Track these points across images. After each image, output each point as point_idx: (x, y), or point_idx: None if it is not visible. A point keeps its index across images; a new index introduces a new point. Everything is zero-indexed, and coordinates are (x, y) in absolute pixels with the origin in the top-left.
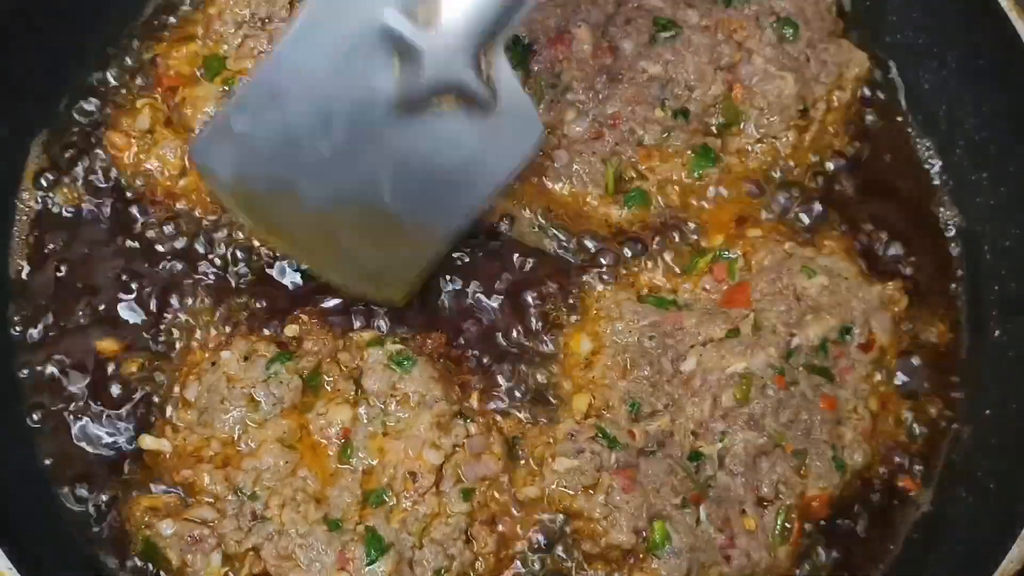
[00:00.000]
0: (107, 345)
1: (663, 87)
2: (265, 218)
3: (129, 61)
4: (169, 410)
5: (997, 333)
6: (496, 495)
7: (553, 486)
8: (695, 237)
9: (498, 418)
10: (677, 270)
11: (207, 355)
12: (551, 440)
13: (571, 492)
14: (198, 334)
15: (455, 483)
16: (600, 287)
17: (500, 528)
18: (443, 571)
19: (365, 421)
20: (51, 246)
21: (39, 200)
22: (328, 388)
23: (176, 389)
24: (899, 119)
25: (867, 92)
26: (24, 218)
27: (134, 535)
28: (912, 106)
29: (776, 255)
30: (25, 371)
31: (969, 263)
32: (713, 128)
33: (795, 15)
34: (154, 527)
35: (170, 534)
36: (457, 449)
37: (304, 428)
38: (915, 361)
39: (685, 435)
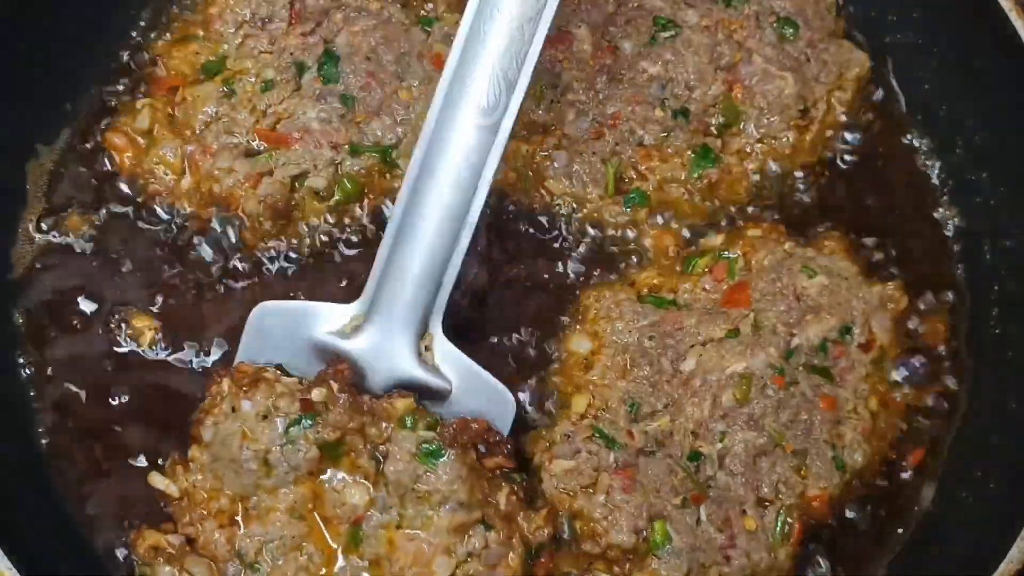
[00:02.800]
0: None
1: (663, 87)
2: None
3: (129, 61)
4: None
5: (997, 333)
6: None
7: (552, 489)
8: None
9: (522, 523)
10: (677, 270)
11: (227, 390)
12: (549, 443)
13: (570, 494)
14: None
15: None
16: (600, 287)
17: None
18: None
19: (380, 511)
20: (53, 247)
21: (40, 202)
22: (348, 459)
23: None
24: (899, 119)
25: (867, 92)
26: (27, 219)
27: (134, 566)
28: (912, 106)
29: (776, 255)
30: (26, 369)
31: (969, 263)
32: (713, 128)
33: (795, 15)
34: (153, 568)
35: None
36: (471, 558)
37: (317, 497)
38: (915, 361)
39: (685, 435)
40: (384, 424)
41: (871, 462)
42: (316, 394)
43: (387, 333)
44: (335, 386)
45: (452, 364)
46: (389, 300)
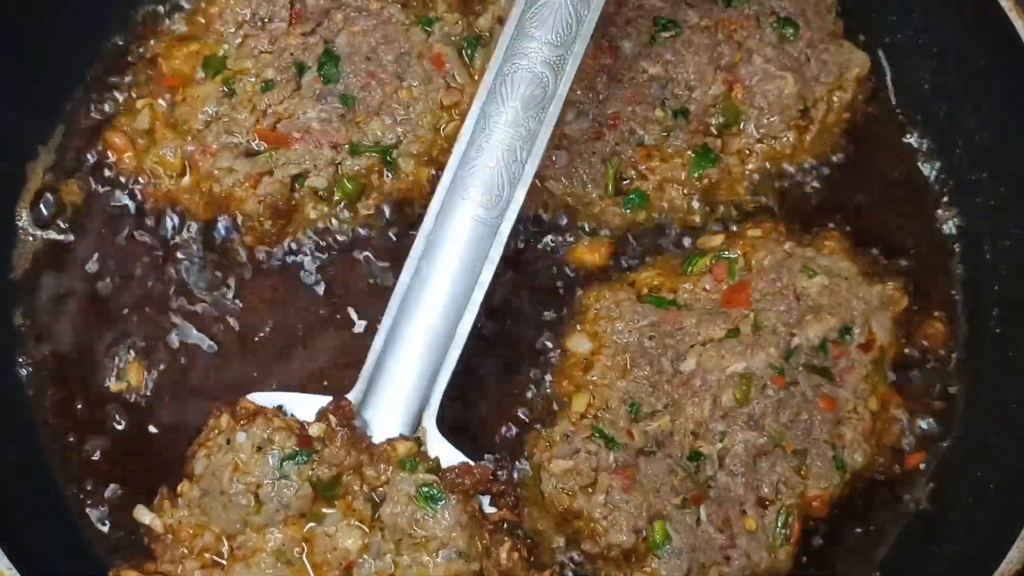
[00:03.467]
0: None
1: (663, 87)
2: None
3: (129, 61)
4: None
5: (997, 332)
6: None
7: (551, 488)
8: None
9: None
10: (677, 270)
11: (225, 425)
12: (549, 443)
13: (569, 493)
14: None
15: None
16: (600, 287)
17: None
18: None
19: (374, 556)
20: (54, 247)
21: (40, 201)
22: (344, 501)
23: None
24: (899, 119)
25: (867, 92)
26: (27, 219)
27: None
28: (912, 106)
29: (776, 255)
30: (26, 369)
31: (969, 263)
32: (713, 128)
33: (795, 15)
34: None
35: None
36: None
37: (307, 541)
38: (915, 361)
39: (685, 435)
40: (383, 466)
41: (871, 462)
42: (315, 429)
43: (379, 427)
44: (334, 420)
45: (445, 459)
46: (381, 396)
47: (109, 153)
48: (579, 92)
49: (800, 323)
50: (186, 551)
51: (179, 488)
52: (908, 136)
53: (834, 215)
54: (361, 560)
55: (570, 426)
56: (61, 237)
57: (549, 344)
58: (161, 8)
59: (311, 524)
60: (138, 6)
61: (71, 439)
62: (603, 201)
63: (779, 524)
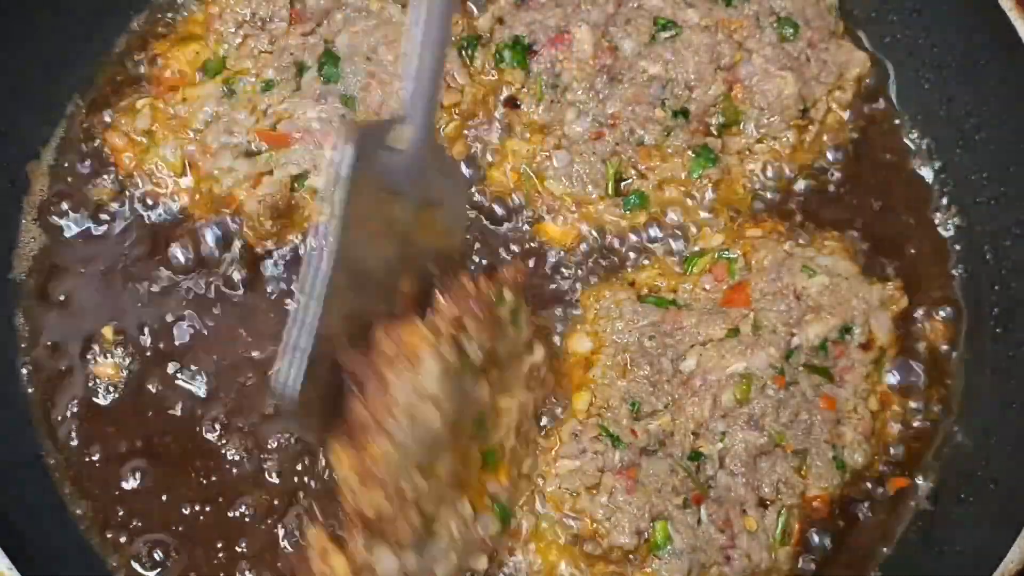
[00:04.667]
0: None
1: (663, 87)
2: None
3: (129, 61)
4: None
5: (997, 332)
6: None
7: (552, 489)
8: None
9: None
10: (677, 270)
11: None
12: (555, 443)
13: (572, 494)
14: None
15: None
16: (600, 287)
17: None
18: None
19: None
20: (54, 247)
21: (40, 202)
22: None
23: None
24: (899, 119)
25: (867, 92)
26: (27, 219)
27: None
28: (912, 106)
29: (776, 255)
30: (26, 368)
31: (969, 263)
32: (713, 128)
33: (795, 15)
34: None
35: None
36: None
37: None
38: (915, 361)
39: (685, 435)
40: None
41: (871, 462)
42: None
43: (416, 131)
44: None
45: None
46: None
47: (109, 153)
48: (579, 92)
49: (800, 323)
50: None
51: None
52: (908, 136)
53: (834, 215)
54: None
55: (577, 425)
56: (61, 238)
57: (549, 344)
58: (161, 8)
59: None
60: (138, 6)
61: (71, 439)
62: (603, 201)
63: (780, 524)
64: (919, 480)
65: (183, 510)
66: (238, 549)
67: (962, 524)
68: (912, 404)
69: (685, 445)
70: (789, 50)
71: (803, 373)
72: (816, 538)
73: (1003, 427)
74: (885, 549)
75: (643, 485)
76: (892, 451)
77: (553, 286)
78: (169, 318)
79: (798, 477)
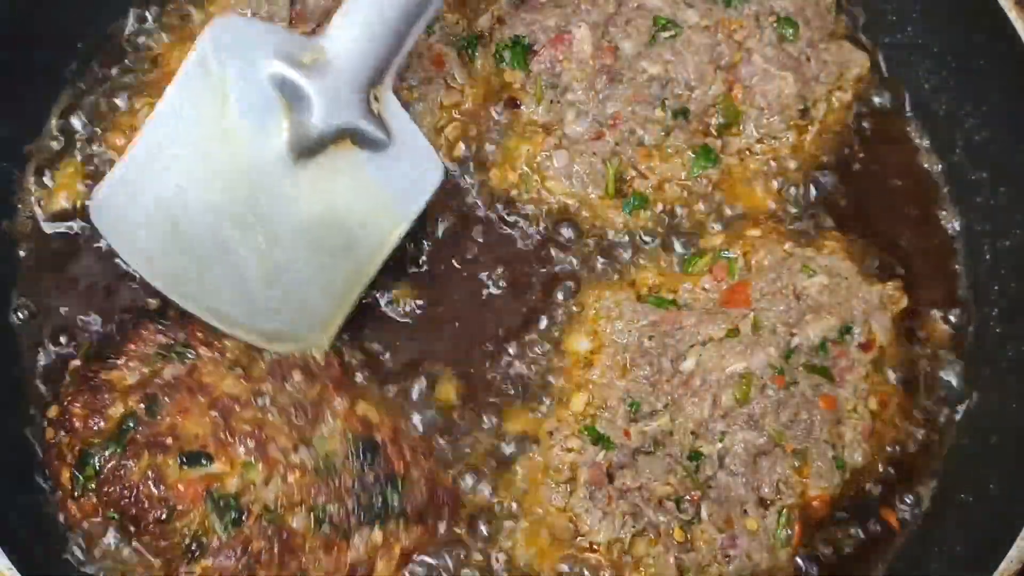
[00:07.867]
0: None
1: (663, 87)
2: (172, 282)
3: (129, 61)
4: None
5: (997, 332)
6: None
7: (537, 483)
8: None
9: None
10: (677, 270)
11: None
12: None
13: (554, 488)
14: None
15: None
16: (600, 287)
17: None
18: None
19: None
20: (54, 247)
21: (40, 202)
22: None
23: None
24: (899, 119)
25: (867, 92)
26: (27, 219)
27: None
28: (912, 106)
29: (776, 255)
30: (26, 368)
31: (969, 263)
32: (713, 128)
33: (795, 15)
34: None
35: None
36: None
37: None
38: (915, 360)
39: (685, 435)
40: None
41: (871, 462)
42: None
43: (346, 76)
44: None
45: (395, 119)
46: (354, 42)
47: (109, 153)
48: (579, 92)
49: (800, 323)
50: None
51: None
52: (908, 136)
53: (834, 215)
54: None
55: (555, 423)
56: (62, 237)
57: (549, 344)
58: (161, 9)
59: None
60: (139, 7)
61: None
62: (603, 201)
63: (780, 524)
64: (919, 480)
65: None
66: None
67: (962, 524)
68: (912, 404)
69: (685, 445)
70: (789, 50)
71: (803, 373)
72: (815, 538)
73: (1003, 427)
74: (886, 549)
75: (628, 484)
76: (892, 451)
77: (553, 285)
78: (168, 317)
79: (798, 477)
